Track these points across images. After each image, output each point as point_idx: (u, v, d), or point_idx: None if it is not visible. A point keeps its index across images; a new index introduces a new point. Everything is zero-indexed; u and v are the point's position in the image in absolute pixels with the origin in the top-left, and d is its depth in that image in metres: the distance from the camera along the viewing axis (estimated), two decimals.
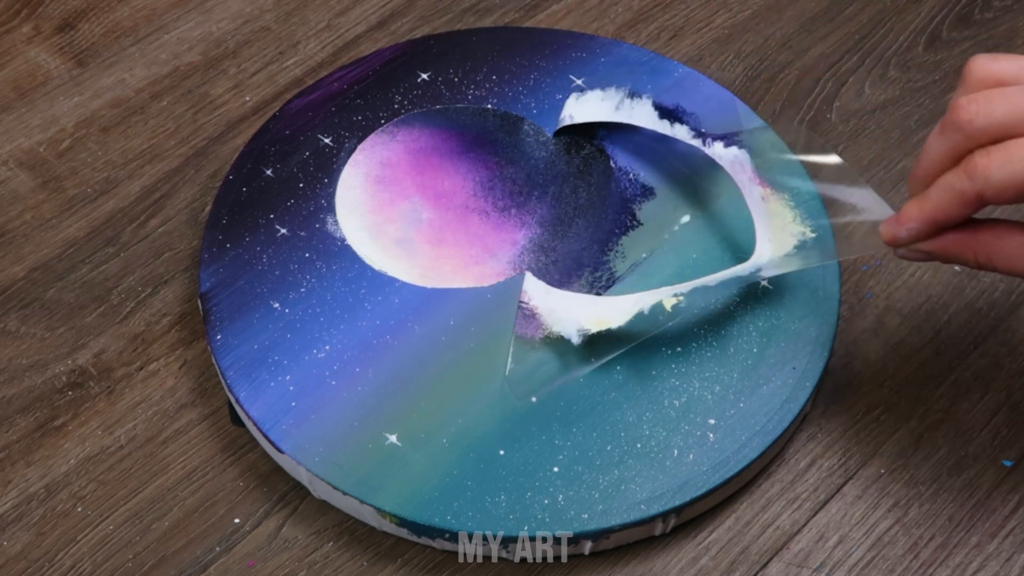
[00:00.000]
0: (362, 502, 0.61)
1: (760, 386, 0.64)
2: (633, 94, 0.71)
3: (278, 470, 0.64)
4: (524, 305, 0.64)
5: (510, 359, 0.63)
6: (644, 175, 0.71)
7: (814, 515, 0.63)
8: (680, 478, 0.61)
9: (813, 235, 0.63)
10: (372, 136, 0.72)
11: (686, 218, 0.69)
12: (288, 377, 0.64)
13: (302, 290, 0.66)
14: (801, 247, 0.63)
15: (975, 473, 0.64)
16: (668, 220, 0.69)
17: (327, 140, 0.72)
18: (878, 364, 0.68)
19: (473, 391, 0.63)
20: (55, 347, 0.68)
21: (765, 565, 0.62)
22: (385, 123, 0.72)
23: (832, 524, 0.63)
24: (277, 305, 0.66)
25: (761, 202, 0.65)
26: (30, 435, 0.65)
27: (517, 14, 0.81)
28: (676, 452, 0.62)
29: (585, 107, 0.71)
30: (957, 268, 0.71)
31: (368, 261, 0.67)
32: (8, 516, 0.63)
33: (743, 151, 0.67)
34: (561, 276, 0.67)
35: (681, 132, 0.69)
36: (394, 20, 0.81)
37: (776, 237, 0.64)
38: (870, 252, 0.63)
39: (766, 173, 0.66)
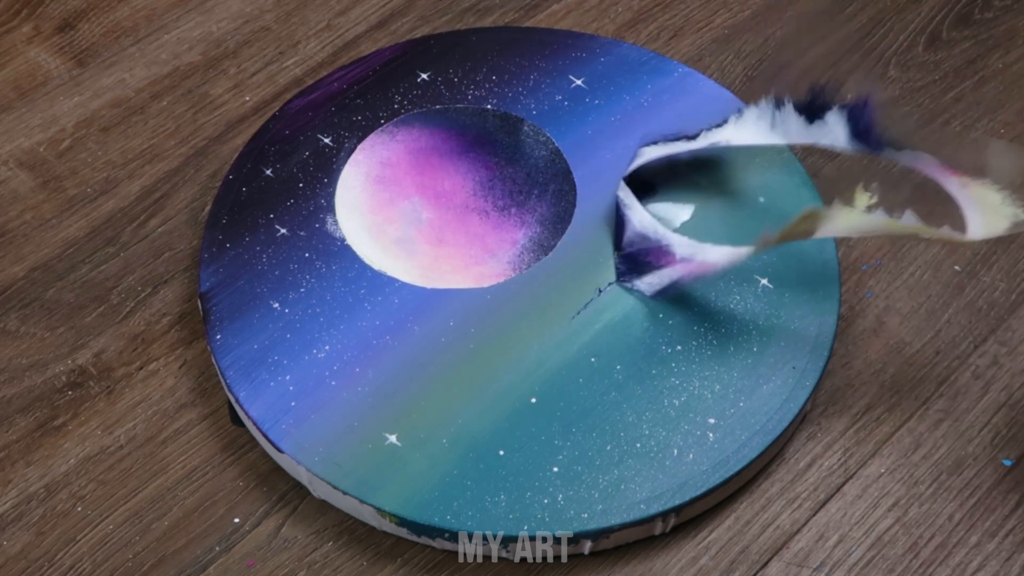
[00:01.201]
0: (362, 502, 0.61)
1: (760, 385, 0.64)
2: (779, 103, 0.68)
3: (278, 470, 0.64)
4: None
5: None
6: (644, 172, 0.71)
7: (814, 514, 0.63)
8: (680, 477, 0.61)
9: None
10: (372, 136, 0.72)
11: (687, 214, 0.69)
12: (288, 377, 0.64)
13: (302, 290, 0.66)
14: (1016, 227, 0.62)
15: (975, 473, 0.64)
16: (669, 216, 0.69)
17: (327, 140, 0.72)
18: (878, 364, 0.68)
19: (473, 391, 0.63)
20: (55, 347, 0.68)
21: (765, 565, 0.62)
22: (385, 123, 0.72)
23: (832, 523, 0.63)
24: (277, 305, 0.66)
25: (962, 189, 0.64)
26: (30, 435, 0.65)
27: (517, 14, 0.81)
28: (676, 451, 0.62)
29: (744, 130, 0.69)
30: (957, 267, 0.71)
31: (368, 261, 0.67)
32: (8, 516, 0.63)
33: (917, 152, 0.66)
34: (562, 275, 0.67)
35: (837, 130, 0.67)
36: (394, 20, 0.81)
37: (988, 222, 0.62)
38: None
39: None
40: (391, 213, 0.69)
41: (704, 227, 0.69)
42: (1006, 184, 0.63)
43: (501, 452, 0.62)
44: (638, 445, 0.62)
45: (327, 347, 0.64)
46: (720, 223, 0.69)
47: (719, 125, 0.69)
